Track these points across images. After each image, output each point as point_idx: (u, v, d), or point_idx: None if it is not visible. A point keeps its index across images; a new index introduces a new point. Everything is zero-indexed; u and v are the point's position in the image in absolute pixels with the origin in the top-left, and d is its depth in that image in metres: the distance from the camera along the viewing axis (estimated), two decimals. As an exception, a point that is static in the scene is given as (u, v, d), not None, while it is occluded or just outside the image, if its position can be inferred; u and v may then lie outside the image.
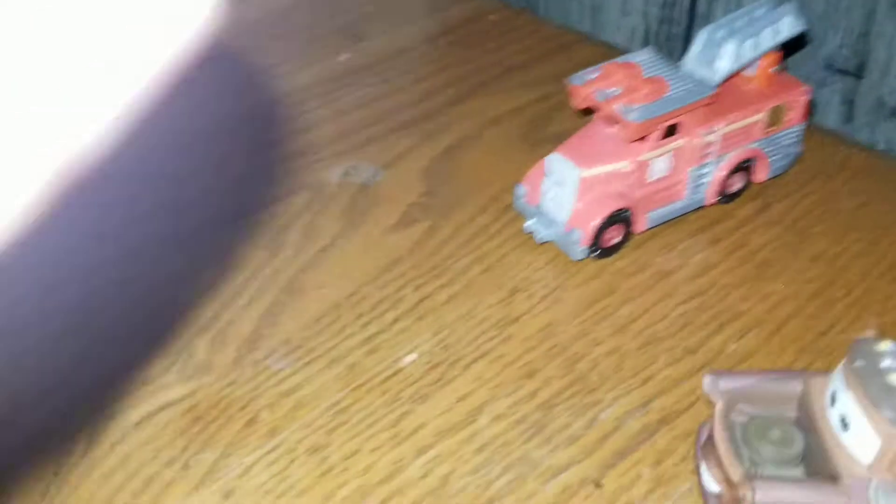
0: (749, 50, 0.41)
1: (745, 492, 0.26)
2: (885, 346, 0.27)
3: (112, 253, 0.40)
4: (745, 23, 0.41)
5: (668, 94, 0.39)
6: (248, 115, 0.50)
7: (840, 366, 0.27)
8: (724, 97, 0.41)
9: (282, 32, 0.58)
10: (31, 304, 0.37)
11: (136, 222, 0.42)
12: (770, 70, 0.42)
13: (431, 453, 0.31)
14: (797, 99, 0.43)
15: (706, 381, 0.30)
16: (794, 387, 0.29)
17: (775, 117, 0.42)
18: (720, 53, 0.40)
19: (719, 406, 0.29)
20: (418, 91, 0.52)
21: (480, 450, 0.31)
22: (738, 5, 0.61)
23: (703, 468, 0.29)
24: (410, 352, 0.36)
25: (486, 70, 0.54)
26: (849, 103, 0.58)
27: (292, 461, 0.31)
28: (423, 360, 0.35)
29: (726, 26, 0.41)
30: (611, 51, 0.57)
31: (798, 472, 0.27)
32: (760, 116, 0.42)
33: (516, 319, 0.37)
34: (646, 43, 0.70)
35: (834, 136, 0.50)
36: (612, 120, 0.39)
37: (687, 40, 0.66)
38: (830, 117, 0.59)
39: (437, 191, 0.44)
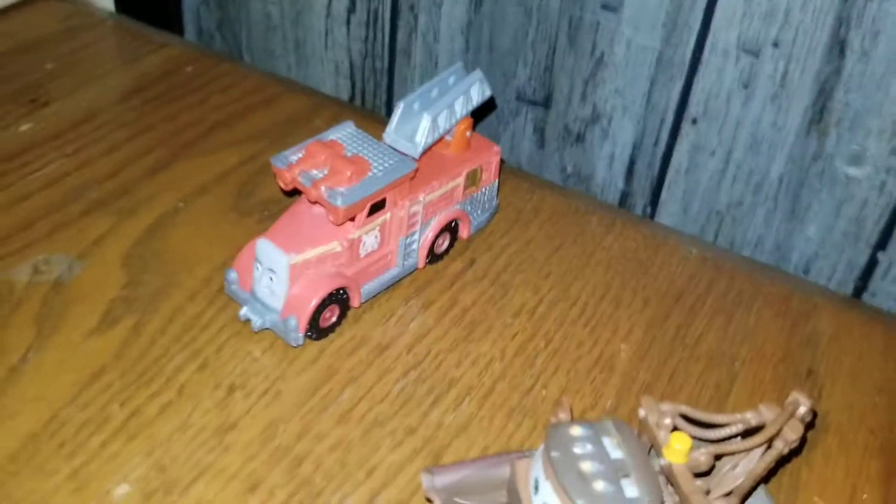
0: (444, 120, 0.42)
1: None
2: (576, 430, 0.29)
3: None
4: (438, 93, 0.43)
5: (372, 173, 0.40)
6: None
7: (539, 451, 0.30)
8: (424, 166, 0.42)
9: (-57, 100, 0.51)
10: None
11: None
12: (465, 134, 0.44)
13: None
14: (490, 160, 0.45)
15: (424, 480, 0.31)
16: (503, 472, 0.31)
17: (473, 179, 0.45)
18: (418, 127, 0.41)
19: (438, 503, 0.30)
20: (112, 162, 0.48)
21: (206, 586, 0.30)
22: (434, 38, 0.64)
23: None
24: (122, 481, 0.33)
25: (188, 130, 0.51)
26: (540, 131, 0.63)
27: None
28: (136, 489, 0.33)
29: (421, 98, 0.42)
30: (316, 100, 0.57)
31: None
32: (459, 181, 0.44)
33: (235, 424, 0.36)
34: (351, 77, 0.71)
35: (528, 178, 0.53)
36: (318, 201, 0.39)
37: (391, 74, 0.68)
38: (525, 145, 0.64)
39: (141, 279, 0.42)
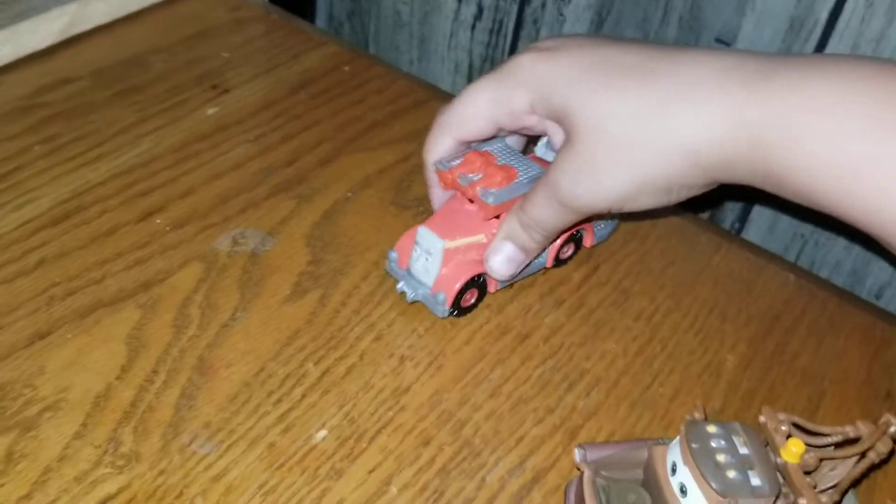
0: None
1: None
2: (712, 428, 0.36)
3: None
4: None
5: (518, 179, 0.46)
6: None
7: (677, 441, 0.36)
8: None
9: (144, 82, 0.58)
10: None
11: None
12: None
13: (353, 525, 0.37)
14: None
15: (577, 453, 0.38)
16: (642, 455, 0.38)
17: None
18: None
19: (588, 474, 0.37)
20: (289, 150, 0.56)
21: (394, 518, 0.38)
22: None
23: (574, 524, 0.37)
24: (321, 428, 0.41)
25: (350, 126, 0.58)
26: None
27: (233, 543, 0.36)
28: (333, 434, 0.41)
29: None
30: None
31: (649, 529, 0.36)
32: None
33: (408, 389, 0.43)
34: (469, 77, 0.78)
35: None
36: (472, 199, 0.46)
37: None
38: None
39: (323, 258, 0.49)
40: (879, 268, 0.62)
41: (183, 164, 0.53)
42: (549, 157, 0.49)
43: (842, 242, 0.63)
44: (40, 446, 0.38)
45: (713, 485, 0.34)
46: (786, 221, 0.64)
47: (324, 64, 0.63)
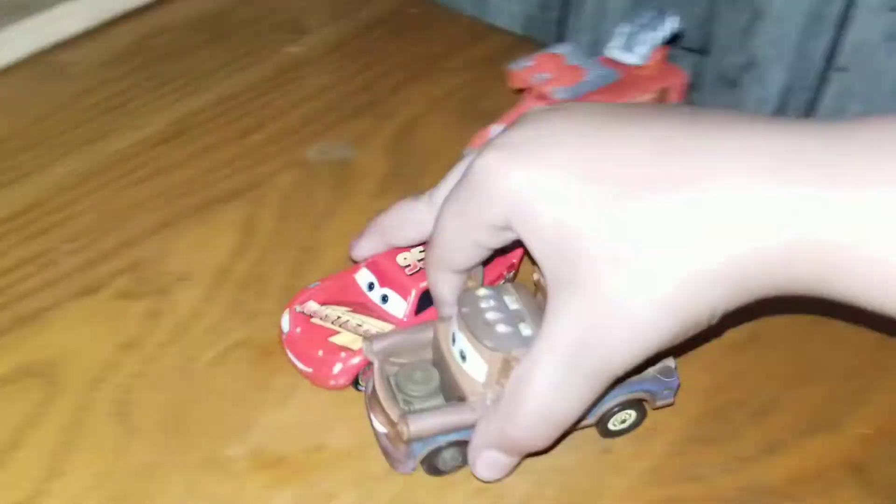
0: (656, 40, 0.53)
1: (402, 427, 0.34)
2: (481, 291, 0.36)
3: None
4: (647, 20, 0.54)
5: (585, 78, 0.51)
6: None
7: (454, 314, 0.35)
8: (624, 81, 0.53)
9: (233, 28, 0.65)
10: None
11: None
12: (660, 59, 0.55)
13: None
14: (677, 82, 0.56)
15: (364, 346, 0.37)
16: (427, 335, 0.37)
17: (662, 96, 0.55)
18: (640, 41, 0.53)
19: (376, 364, 0.37)
20: (363, 80, 0.62)
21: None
22: (606, 1, 0.74)
23: (372, 416, 0.36)
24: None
25: (417, 60, 0.64)
26: (697, 75, 0.73)
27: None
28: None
29: (638, 23, 0.54)
30: (514, 40, 0.69)
31: (440, 401, 0.36)
32: (651, 96, 0.55)
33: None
34: (526, 25, 0.82)
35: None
36: (542, 97, 0.51)
37: (560, 25, 0.79)
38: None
39: (403, 164, 0.55)
40: None
41: (273, 92, 0.60)
42: (624, 56, 0.53)
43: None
44: (174, 307, 0.44)
45: (484, 342, 0.33)
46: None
47: (392, 7, 0.70)
